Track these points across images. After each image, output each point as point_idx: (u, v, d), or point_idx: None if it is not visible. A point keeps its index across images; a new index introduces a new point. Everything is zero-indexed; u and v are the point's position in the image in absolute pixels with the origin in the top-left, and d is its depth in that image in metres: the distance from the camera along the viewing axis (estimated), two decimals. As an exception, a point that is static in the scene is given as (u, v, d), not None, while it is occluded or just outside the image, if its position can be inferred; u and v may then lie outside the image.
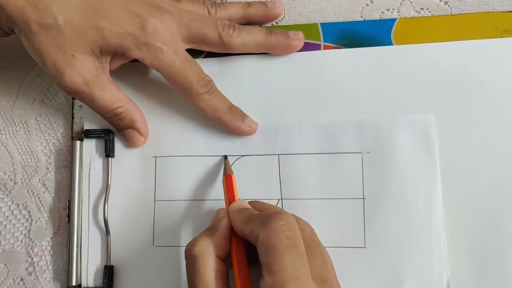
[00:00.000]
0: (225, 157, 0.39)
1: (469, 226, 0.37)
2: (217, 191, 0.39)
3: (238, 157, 0.39)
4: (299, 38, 0.40)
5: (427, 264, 0.36)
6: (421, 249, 0.36)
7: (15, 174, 0.42)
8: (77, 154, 0.41)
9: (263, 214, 0.31)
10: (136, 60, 0.37)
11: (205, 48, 0.40)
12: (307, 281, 0.28)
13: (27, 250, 0.41)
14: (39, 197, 0.41)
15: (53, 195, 0.41)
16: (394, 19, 0.40)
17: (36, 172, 0.42)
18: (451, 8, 0.40)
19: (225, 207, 0.35)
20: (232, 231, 0.32)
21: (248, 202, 0.34)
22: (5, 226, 0.41)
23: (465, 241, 0.36)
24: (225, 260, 0.32)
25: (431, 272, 0.36)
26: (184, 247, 0.38)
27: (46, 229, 0.41)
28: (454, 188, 0.37)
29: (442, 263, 0.36)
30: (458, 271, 0.36)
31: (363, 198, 0.38)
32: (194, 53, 0.40)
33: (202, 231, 0.33)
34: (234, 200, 0.35)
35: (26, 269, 0.41)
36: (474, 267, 0.36)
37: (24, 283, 0.40)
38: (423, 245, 0.36)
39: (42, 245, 0.41)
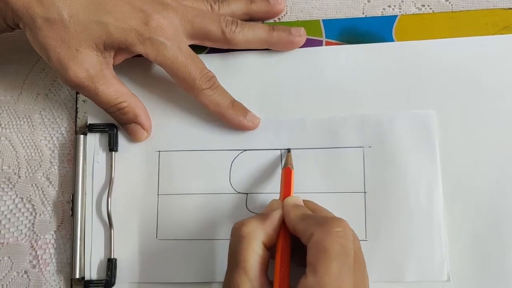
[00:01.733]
0: (288, 150, 0.39)
1: (470, 220, 0.37)
2: (220, 184, 0.39)
3: (241, 151, 0.40)
4: (301, 34, 0.40)
5: (428, 257, 0.36)
6: (422, 242, 0.37)
7: (19, 168, 0.42)
8: (81, 148, 0.41)
9: (320, 215, 0.31)
10: (139, 56, 0.38)
11: (208, 44, 0.40)
12: None
13: (31, 243, 0.41)
14: (43, 191, 0.42)
15: (57, 188, 0.42)
16: (396, 16, 0.41)
17: (40, 166, 0.42)
18: (451, 5, 0.41)
19: (279, 199, 0.35)
20: (282, 225, 0.32)
21: (303, 200, 0.35)
22: (9, 219, 0.42)
23: (465, 234, 0.37)
24: (269, 249, 0.31)
25: (431, 265, 0.36)
26: (187, 240, 0.39)
27: (50, 222, 0.41)
28: (455, 182, 0.38)
29: (442, 256, 0.36)
30: (459, 263, 0.37)
31: (365, 192, 0.38)
32: (197, 49, 0.40)
33: (255, 215, 0.33)
34: (289, 194, 0.35)
35: (30, 262, 0.41)
36: (475, 260, 0.37)
37: (28, 276, 0.41)
38: (424, 239, 0.37)
39: (46, 238, 0.41)
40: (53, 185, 0.42)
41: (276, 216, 0.32)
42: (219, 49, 0.41)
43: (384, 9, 0.41)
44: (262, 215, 0.33)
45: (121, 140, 0.41)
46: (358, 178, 0.38)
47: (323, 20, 0.41)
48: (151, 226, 0.39)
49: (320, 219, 0.30)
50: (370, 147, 0.39)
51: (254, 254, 0.30)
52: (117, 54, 0.38)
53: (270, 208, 0.34)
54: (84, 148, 0.41)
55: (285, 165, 0.37)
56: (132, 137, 0.40)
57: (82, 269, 0.40)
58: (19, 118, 0.43)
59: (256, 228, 0.31)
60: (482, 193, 0.37)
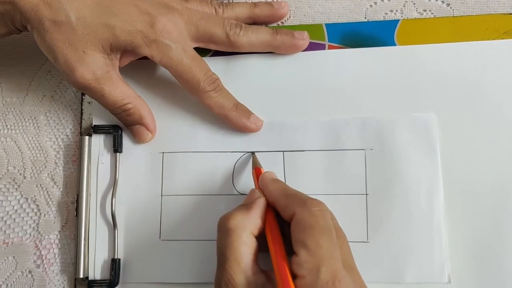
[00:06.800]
0: (252, 153, 0.40)
1: (470, 222, 0.37)
2: (223, 186, 0.40)
3: (244, 153, 0.40)
4: (304, 38, 0.41)
5: (428, 258, 0.37)
6: (423, 244, 0.37)
7: (25, 168, 0.43)
8: (86, 149, 0.41)
9: (300, 194, 0.32)
10: (145, 58, 0.38)
11: (213, 47, 0.41)
12: (339, 263, 0.29)
13: (36, 243, 0.41)
14: (47, 191, 0.42)
15: (61, 189, 0.42)
16: (397, 20, 0.41)
17: (45, 167, 0.43)
18: (453, 10, 0.41)
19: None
20: (268, 211, 0.33)
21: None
22: (14, 219, 0.42)
23: (466, 236, 0.37)
24: (257, 239, 0.32)
25: (432, 266, 0.37)
26: (190, 241, 0.39)
27: (54, 222, 0.42)
28: (455, 184, 0.38)
29: (443, 257, 0.37)
30: (459, 265, 0.37)
31: (366, 194, 0.38)
32: (201, 52, 0.41)
33: (236, 206, 0.33)
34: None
35: (34, 261, 0.41)
36: (475, 262, 0.37)
37: (32, 276, 0.41)
38: (425, 240, 0.37)
39: (50, 238, 0.41)
40: (57, 185, 0.42)
41: (259, 204, 0.33)
42: (223, 52, 0.41)
43: (386, 13, 0.42)
44: (246, 205, 0.33)
45: (126, 141, 0.41)
46: (360, 180, 0.39)
47: (326, 24, 0.42)
48: (155, 227, 0.40)
49: (301, 198, 0.32)
50: (371, 149, 0.39)
51: (244, 246, 0.31)
52: (123, 56, 0.39)
53: (251, 197, 0.34)
54: (89, 149, 0.41)
55: (253, 166, 0.38)
56: (137, 138, 0.41)
57: (86, 269, 0.40)
58: (24, 119, 0.44)
59: (243, 219, 0.32)
60: (483, 195, 0.38)
